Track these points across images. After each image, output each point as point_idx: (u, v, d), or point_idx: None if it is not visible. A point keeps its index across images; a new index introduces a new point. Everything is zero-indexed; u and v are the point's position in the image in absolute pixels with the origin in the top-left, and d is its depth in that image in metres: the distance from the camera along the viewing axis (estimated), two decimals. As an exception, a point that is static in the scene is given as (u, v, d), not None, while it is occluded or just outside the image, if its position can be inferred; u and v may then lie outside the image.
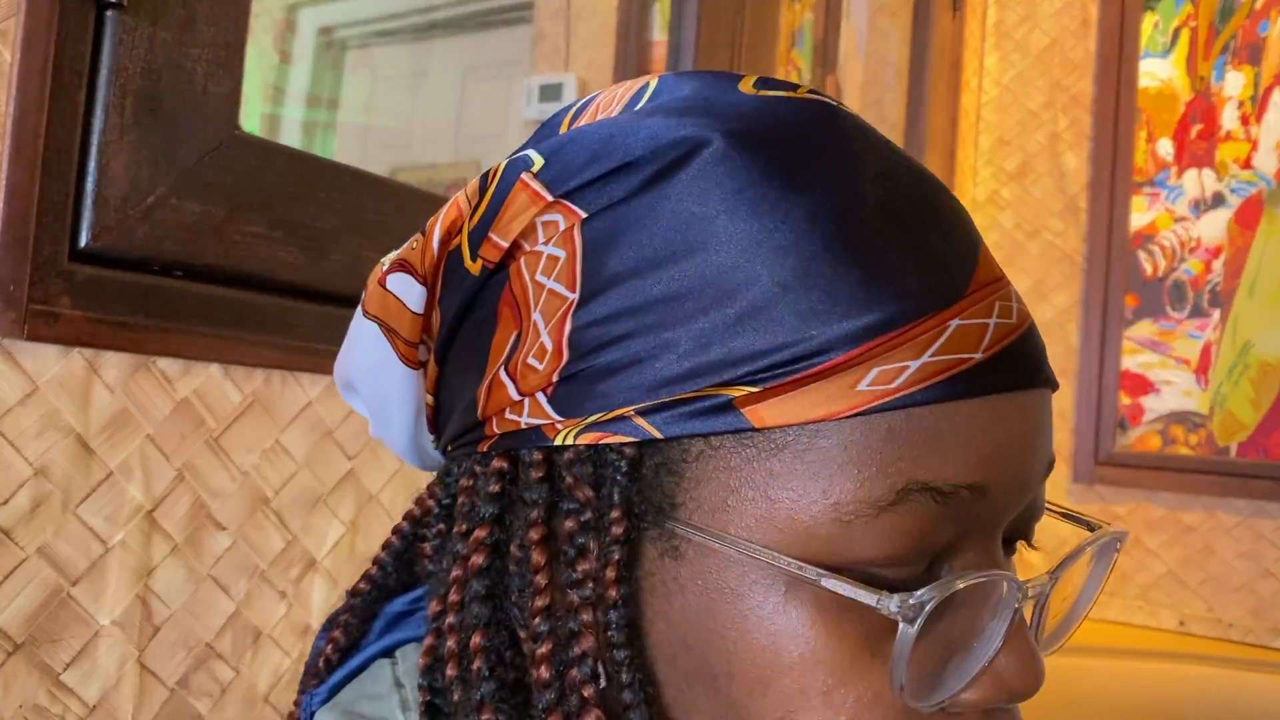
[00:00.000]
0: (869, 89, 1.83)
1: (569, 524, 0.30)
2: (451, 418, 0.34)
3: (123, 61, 0.59)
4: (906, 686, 0.27)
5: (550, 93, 1.70)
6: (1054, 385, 0.31)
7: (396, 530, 0.38)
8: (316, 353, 0.72)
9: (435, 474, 0.38)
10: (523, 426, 0.31)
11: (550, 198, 0.30)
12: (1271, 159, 1.67)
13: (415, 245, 0.34)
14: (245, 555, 0.68)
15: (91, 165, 0.58)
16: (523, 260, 0.31)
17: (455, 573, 0.32)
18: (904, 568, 0.28)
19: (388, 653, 0.36)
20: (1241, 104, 1.70)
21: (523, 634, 0.30)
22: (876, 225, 0.28)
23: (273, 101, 2.31)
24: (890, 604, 0.27)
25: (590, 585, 0.29)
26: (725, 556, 0.28)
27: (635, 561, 0.30)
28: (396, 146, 2.34)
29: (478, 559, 0.31)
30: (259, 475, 0.69)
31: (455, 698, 0.30)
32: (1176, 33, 1.77)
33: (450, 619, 0.31)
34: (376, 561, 0.38)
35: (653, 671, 0.29)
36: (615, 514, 0.29)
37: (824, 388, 0.27)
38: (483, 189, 0.32)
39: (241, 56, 0.66)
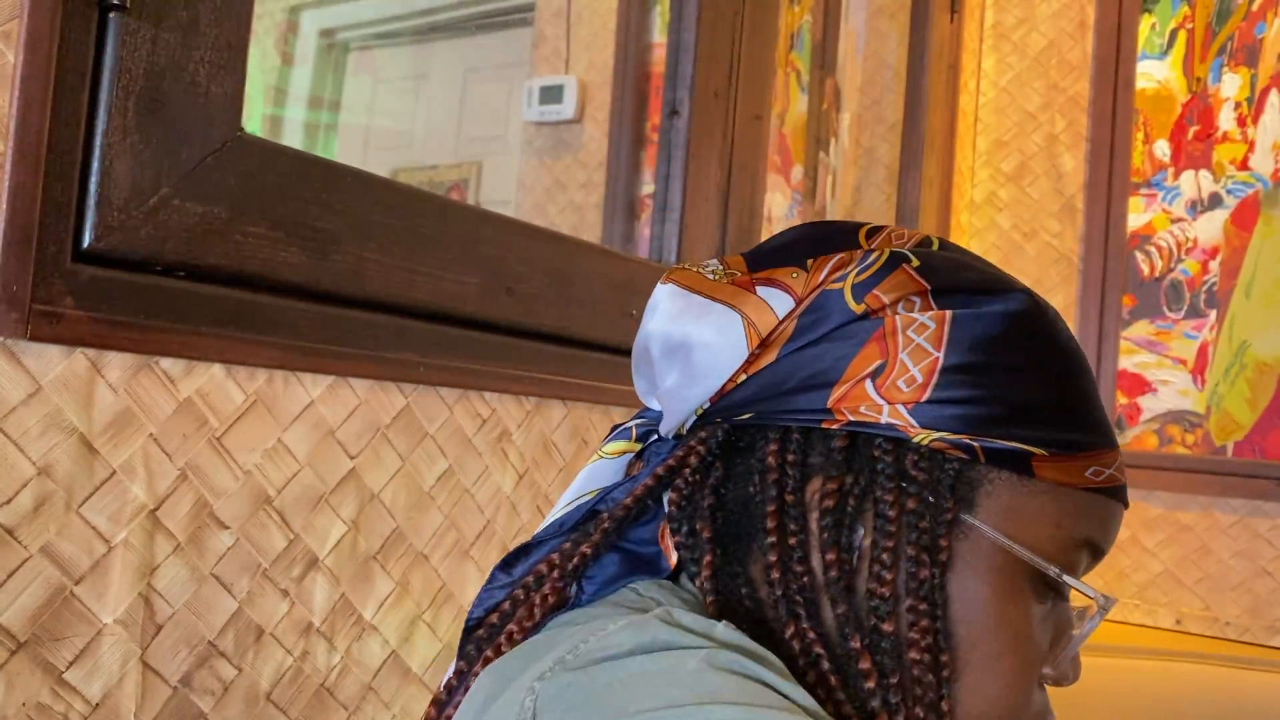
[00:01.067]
0: (867, 90, 1.84)
1: (911, 501, 0.45)
2: (759, 397, 0.47)
3: (126, 63, 0.59)
4: (1043, 642, 0.47)
5: (551, 94, 1.70)
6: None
7: (654, 474, 0.49)
8: (318, 353, 0.72)
9: (681, 439, 0.51)
10: (882, 422, 0.45)
11: (926, 286, 0.46)
12: (1268, 160, 1.68)
13: (790, 271, 0.48)
14: (247, 554, 0.68)
15: (94, 166, 0.58)
16: (898, 318, 0.46)
17: (808, 512, 0.46)
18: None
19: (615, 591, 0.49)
20: (1238, 105, 1.71)
21: (854, 562, 0.45)
22: (1093, 383, 0.49)
23: (275, 103, 2.31)
24: (1100, 598, 0.46)
25: (927, 539, 0.44)
26: (995, 544, 0.45)
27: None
28: (398, 147, 2.34)
29: (829, 502, 0.45)
30: (261, 474, 0.69)
31: (777, 594, 0.45)
32: (1173, 34, 1.78)
33: (791, 541, 0.45)
34: (634, 495, 0.49)
35: (949, 608, 0.45)
36: (949, 499, 0.45)
37: (1073, 466, 0.46)
38: (865, 261, 0.47)
39: (244, 58, 0.67)
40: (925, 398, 0.44)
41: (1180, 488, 1.69)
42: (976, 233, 1.95)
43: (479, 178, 2.17)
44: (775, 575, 0.45)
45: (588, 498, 0.51)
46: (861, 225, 0.52)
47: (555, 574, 0.47)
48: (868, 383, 0.45)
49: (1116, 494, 0.48)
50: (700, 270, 0.50)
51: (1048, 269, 1.87)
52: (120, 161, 0.59)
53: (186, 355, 0.64)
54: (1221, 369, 1.68)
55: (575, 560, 0.47)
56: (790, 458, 0.46)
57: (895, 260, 0.47)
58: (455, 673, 0.48)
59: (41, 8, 0.55)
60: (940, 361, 0.45)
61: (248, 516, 0.68)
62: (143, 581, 0.62)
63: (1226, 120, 1.71)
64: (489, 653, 0.46)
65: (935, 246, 0.51)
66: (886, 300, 0.46)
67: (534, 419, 0.94)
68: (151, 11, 0.60)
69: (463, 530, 0.86)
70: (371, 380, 0.77)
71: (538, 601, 0.46)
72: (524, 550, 0.50)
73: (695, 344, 0.48)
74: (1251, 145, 1.69)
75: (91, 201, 0.58)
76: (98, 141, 0.58)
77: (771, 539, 0.45)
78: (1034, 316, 0.47)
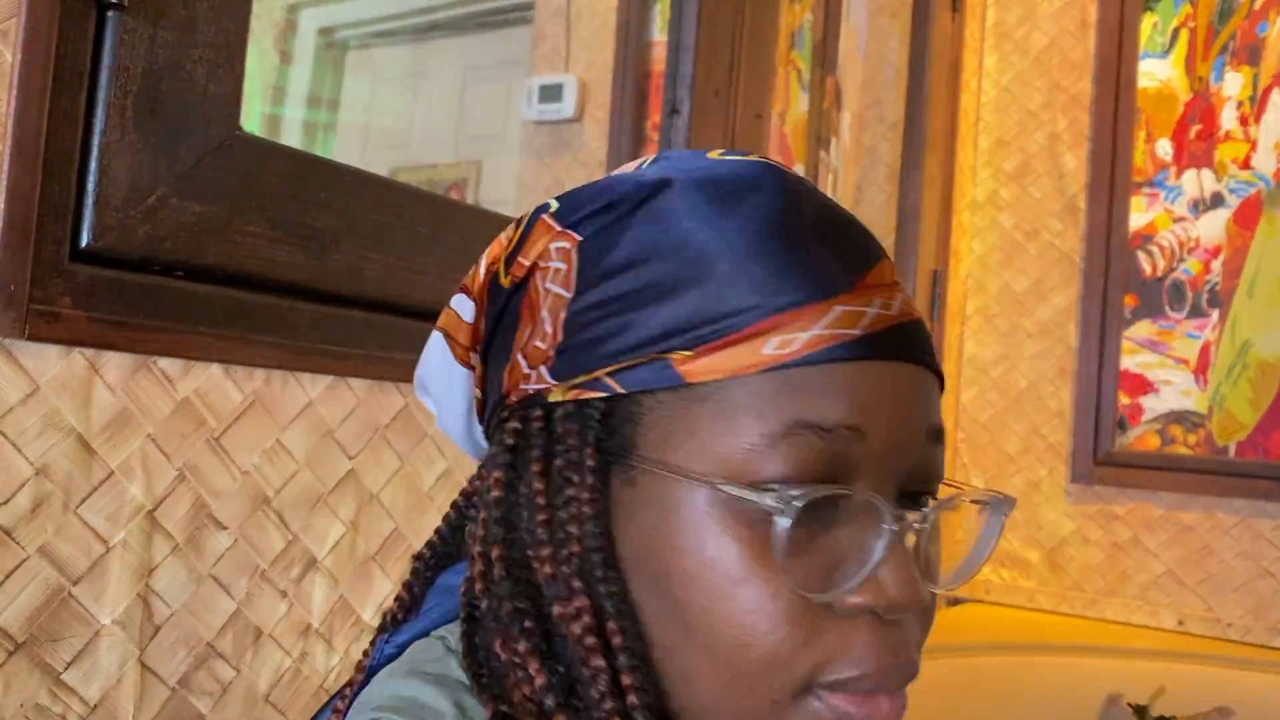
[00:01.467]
0: (868, 89, 1.84)
1: (558, 461, 0.40)
2: (489, 405, 0.44)
3: (124, 62, 0.59)
4: (790, 574, 0.36)
5: (550, 93, 1.70)
6: (932, 368, 0.41)
7: (453, 504, 0.46)
8: (317, 353, 0.72)
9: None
10: (530, 392, 0.41)
11: (559, 228, 0.41)
12: (1270, 159, 1.67)
13: (471, 272, 0.45)
14: (246, 555, 0.68)
15: (92, 165, 0.58)
16: (537, 274, 0.41)
17: (480, 514, 0.41)
18: (799, 485, 0.37)
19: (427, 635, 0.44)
20: (1240, 104, 1.70)
21: (529, 550, 0.40)
22: (788, 239, 0.39)
23: (273, 102, 2.31)
24: (767, 499, 0.36)
25: (575, 505, 0.39)
26: (666, 481, 0.38)
27: (606, 491, 0.40)
28: (397, 147, 2.34)
29: (496, 493, 0.40)
30: (259, 475, 0.69)
31: (484, 606, 0.40)
32: (1175, 33, 1.77)
33: (478, 548, 0.40)
34: (436, 531, 0.47)
35: (621, 574, 0.39)
36: (590, 451, 0.39)
37: (738, 351, 0.37)
38: (516, 226, 0.44)
39: (242, 57, 0.66)
40: (558, 347, 0.40)
41: (1182, 488, 1.69)
42: (978, 232, 1.95)
43: (478, 177, 2.17)
44: (478, 587, 0.40)
45: None
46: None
47: (375, 636, 0.45)
48: (518, 354, 0.41)
49: (841, 353, 0.37)
50: None
51: (1049, 268, 1.86)
52: (118, 161, 0.59)
53: (184, 355, 0.63)
54: (1224, 369, 1.68)
55: (385, 618, 0.46)
56: (484, 461, 0.43)
57: (535, 214, 0.43)
58: None
59: (39, 6, 0.54)
60: (569, 301, 0.40)
61: (246, 517, 0.68)
62: (141, 582, 0.62)
63: (1229, 119, 1.71)
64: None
65: (630, 168, 0.45)
66: (528, 261, 0.42)
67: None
68: (149, 10, 0.60)
69: (462, 531, 0.86)
70: (370, 380, 0.77)
71: (357, 669, 0.44)
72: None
73: (424, 376, 0.47)
74: (1254, 144, 1.69)
75: (89, 201, 0.58)
76: (95, 141, 0.58)
77: (476, 549, 0.41)
78: (663, 194, 0.40)
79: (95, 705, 0.60)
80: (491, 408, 0.44)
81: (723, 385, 0.37)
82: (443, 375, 0.45)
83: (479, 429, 0.46)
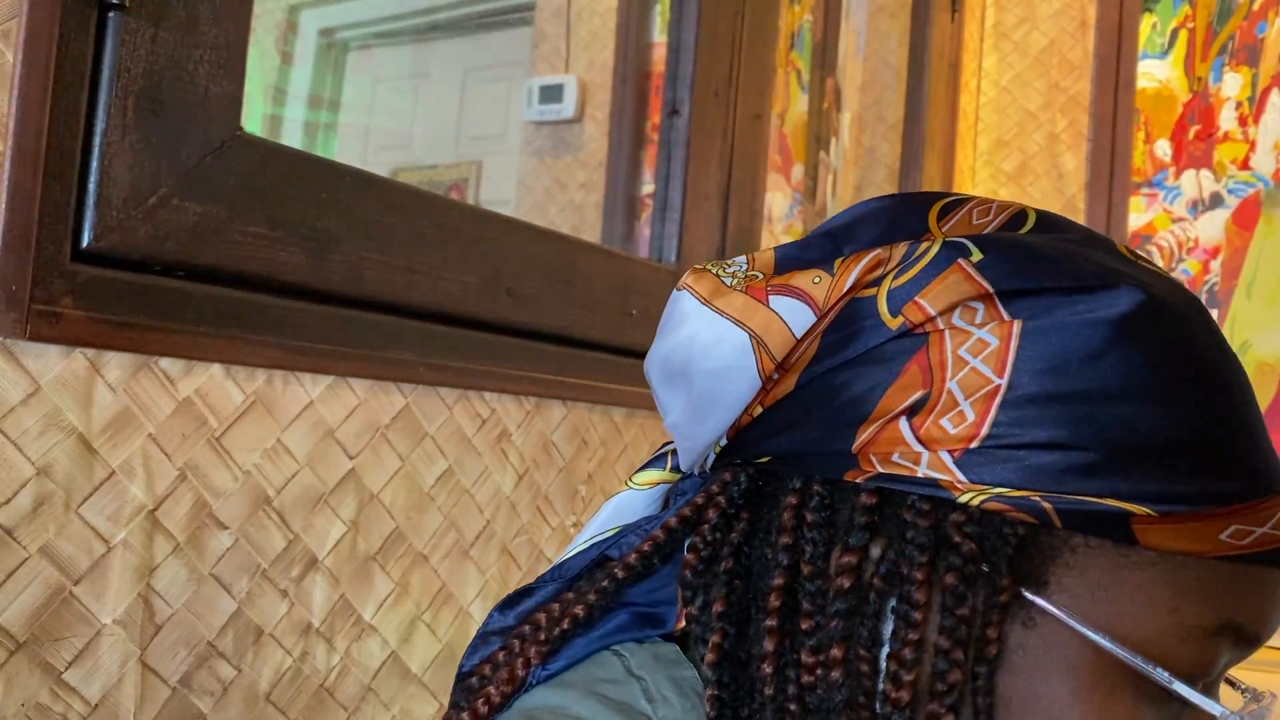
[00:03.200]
0: (868, 90, 1.84)
1: (950, 577, 0.34)
2: (781, 434, 0.38)
3: (125, 62, 0.59)
4: None
5: (551, 93, 1.70)
6: None
7: (666, 527, 0.41)
8: (317, 353, 0.72)
9: (703, 480, 0.42)
10: (919, 475, 0.35)
11: (988, 289, 0.35)
12: (1269, 160, 1.67)
13: (818, 280, 0.37)
14: (247, 554, 0.68)
15: (94, 166, 0.58)
16: (948, 333, 0.35)
17: (806, 599, 0.36)
18: (1195, 684, 0.35)
19: (606, 647, 0.41)
20: (1239, 105, 1.71)
21: (881, 664, 0.35)
22: (1245, 409, 0.35)
23: (274, 102, 2.31)
24: (1231, 716, 0.33)
25: (963, 630, 0.34)
26: (1073, 637, 0.34)
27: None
28: (397, 147, 2.34)
29: (844, 581, 0.35)
30: (260, 475, 0.69)
31: (770, 690, 0.36)
32: (1174, 34, 1.78)
33: (770, 622, 0.36)
34: (639, 552, 0.41)
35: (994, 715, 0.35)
36: (1006, 578, 0.34)
37: (1199, 529, 0.33)
38: (909, 257, 0.36)
39: (243, 57, 0.66)
40: (979, 441, 0.34)
41: (1181, 488, 1.69)
42: (977, 232, 1.95)
43: (479, 177, 2.17)
44: (768, 670, 0.36)
45: (608, 535, 0.44)
46: (938, 199, 0.40)
47: (542, 635, 0.41)
48: (903, 421, 0.35)
49: (1271, 558, 0.35)
50: (720, 272, 0.40)
51: (1048, 269, 1.87)
52: (119, 161, 0.59)
53: (186, 355, 0.63)
54: (1222, 369, 1.68)
55: (565, 623, 0.41)
56: (809, 517, 0.37)
57: (948, 254, 0.35)
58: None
59: (41, 7, 0.54)
60: (1003, 391, 0.33)
61: (247, 517, 0.68)
62: (142, 582, 0.62)
63: (1227, 120, 1.71)
64: (465, 716, 0.41)
65: (1029, 225, 0.38)
66: (934, 310, 0.35)
67: (534, 419, 0.94)
68: (151, 11, 0.60)
69: (462, 531, 0.86)
70: (371, 380, 0.77)
71: (519, 665, 0.41)
72: (525, 592, 0.45)
73: (696, 371, 0.38)
74: (1253, 145, 1.69)
75: (90, 201, 0.58)
76: (97, 141, 0.58)
77: (770, 622, 0.36)
78: (1150, 318, 0.34)
79: (96, 705, 0.60)
80: (797, 448, 0.37)
81: (1171, 559, 0.34)
82: (725, 378, 0.38)
83: (724, 439, 0.40)
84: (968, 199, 0.40)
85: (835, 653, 0.35)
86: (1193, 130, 1.74)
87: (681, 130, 1.22)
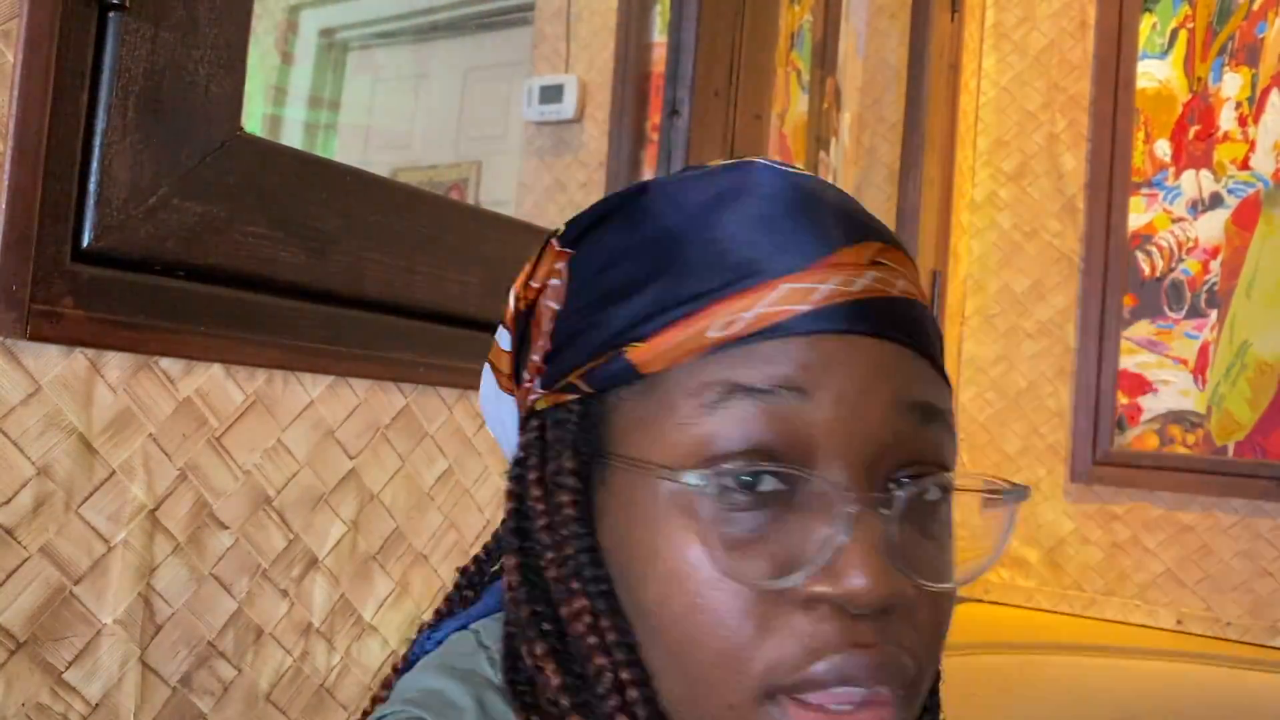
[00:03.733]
0: (868, 90, 1.84)
1: (550, 467, 0.40)
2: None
3: (125, 63, 0.59)
4: (736, 562, 0.35)
5: (551, 94, 1.70)
6: (911, 345, 0.38)
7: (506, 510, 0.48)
8: (318, 353, 0.72)
9: None
10: (530, 405, 0.42)
11: (559, 248, 0.43)
12: (1269, 160, 1.67)
13: (505, 307, 0.46)
14: (247, 554, 0.68)
15: (94, 166, 0.58)
16: (543, 295, 0.43)
17: (501, 524, 0.43)
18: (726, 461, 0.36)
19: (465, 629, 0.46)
20: (1239, 105, 1.71)
21: (538, 557, 0.40)
22: (745, 224, 0.39)
23: (275, 102, 2.32)
24: (690, 477, 0.35)
25: (564, 509, 0.39)
26: (628, 475, 0.38)
27: (590, 492, 0.40)
28: (398, 147, 2.34)
29: (510, 504, 0.42)
30: (261, 474, 0.69)
31: (511, 614, 0.40)
32: (1174, 34, 1.78)
33: (503, 559, 0.42)
34: (493, 535, 0.48)
35: (606, 573, 0.39)
36: (568, 454, 0.40)
37: (683, 335, 0.37)
38: (533, 258, 0.45)
39: (244, 58, 0.66)
40: (547, 355, 0.41)
41: (1181, 488, 1.69)
42: (977, 232, 1.95)
43: (479, 177, 2.17)
44: (508, 597, 0.41)
45: None
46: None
47: (422, 630, 0.46)
48: (525, 371, 0.43)
49: (776, 330, 0.36)
50: None
51: (1048, 269, 1.86)
52: (119, 161, 0.59)
53: (186, 355, 0.63)
54: (1222, 369, 1.68)
55: (442, 605, 0.47)
56: (520, 454, 0.44)
57: (546, 240, 0.44)
58: None
59: (41, 7, 0.54)
60: (559, 314, 0.41)
61: (247, 516, 0.68)
62: (142, 581, 0.62)
63: (1227, 120, 1.71)
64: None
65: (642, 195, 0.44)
66: (537, 284, 0.43)
67: (534, 419, 0.94)
68: (151, 11, 0.60)
69: (463, 530, 0.86)
70: (371, 380, 0.77)
71: (390, 666, 0.46)
72: None
73: (484, 410, 0.49)
74: (1252, 145, 1.69)
75: (91, 201, 0.58)
76: (97, 141, 0.58)
77: (507, 561, 0.42)
78: (630, 202, 0.41)
79: (96, 704, 0.60)
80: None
81: (671, 373, 0.37)
82: (493, 405, 0.47)
83: None
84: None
85: (509, 561, 0.41)
86: (1192, 130, 1.74)
87: (681, 130, 1.22)
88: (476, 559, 0.49)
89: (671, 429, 0.36)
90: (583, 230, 0.42)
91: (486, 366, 0.48)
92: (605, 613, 0.38)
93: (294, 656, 0.72)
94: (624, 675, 0.37)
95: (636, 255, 0.39)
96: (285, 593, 0.71)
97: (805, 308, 0.36)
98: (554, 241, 0.44)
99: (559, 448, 0.40)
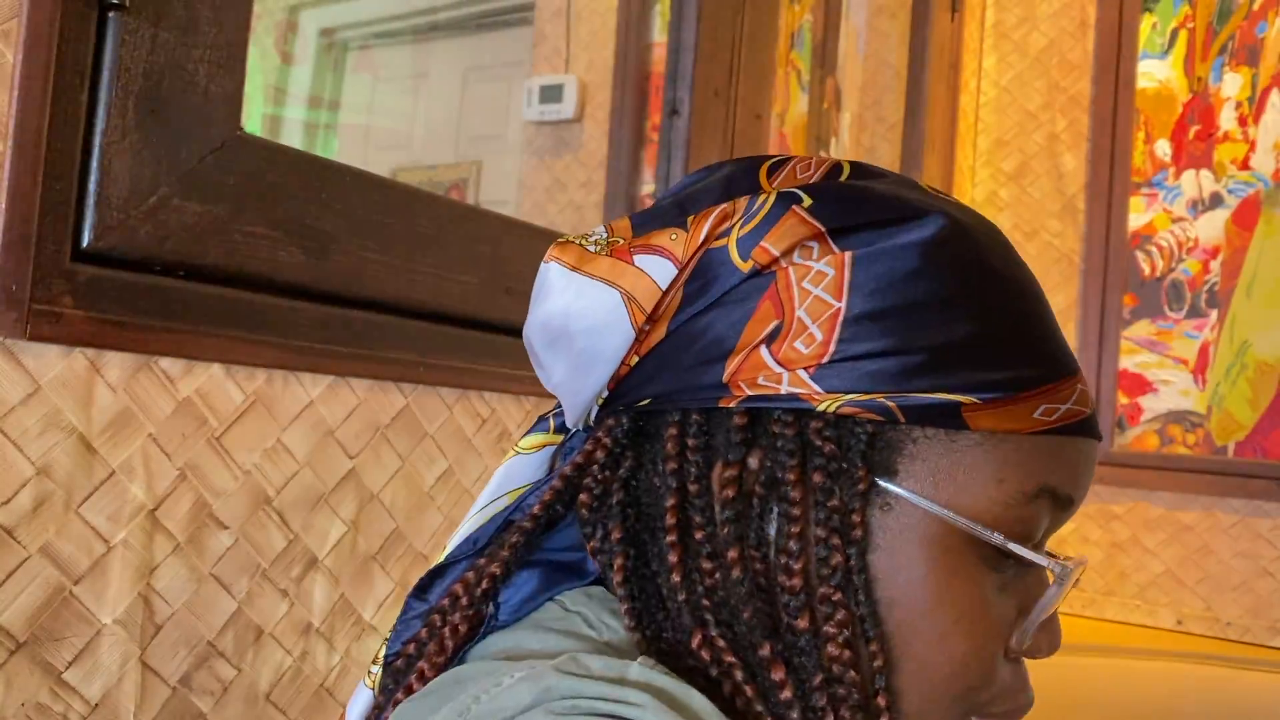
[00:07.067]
0: (868, 90, 1.84)
1: (817, 475, 0.40)
2: (657, 377, 0.42)
3: (125, 62, 0.59)
4: (1003, 610, 0.42)
5: (551, 93, 1.70)
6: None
7: (563, 475, 0.45)
8: (318, 352, 0.72)
9: (590, 430, 0.46)
10: (781, 393, 0.40)
11: (821, 228, 0.41)
12: (1269, 160, 1.67)
13: (674, 237, 0.42)
14: (247, 554, 0.68)
15: (94, 166, 0.58)
16: (792, 269, 0.41)
17: (695, 511, 0.41)
18: (1026, 545, 0.42)
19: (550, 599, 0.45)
20: (1239, 105, 1.71)
21: (773, 559, 0.40)
22: (1039, 307, 0.43)
23: (275, 102, 2.32)
24: (1056, 566, 0.41)
25: (836, 519, 0.40)
26: (922, 515, 0.40)
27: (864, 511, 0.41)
28: (398, 147, 2.34)
29: (729, 492, 0.40)
30: (260, 474, 0.69)
31: (680, 599, 0.40)
32: (1174, 34, 1.78)
33: (675, 538, 0.41)
34: (542, 503, 0.44)
35: (874, 594, 0.40)
36: (861, 470, 0.40)
37: (1017, 410, 0.40)
38: (751, 209, 0.42)
39: (243, 57, 0.66)
40: (828, 357, 0.39)
41: (1181, 488, 1.69)
42: (977, 232, 1.95)
43: (479, 177, 2.17)
44: (676, 579, 0.40)
45: (503, 502, 0.47)
46: (765, 160, 0.46)
47: (465, 600, 0.43)
48: (763, 349, 0.40)
49: (1079, 429, 0.42)
50: (583, 242, 0.44)
51: (1049, 269, 1.86)
52: (119, 161, 0.59)
53: (186, 355, 0.63)
54: (1222, 369, 1.68)
55: (484, 584, 0.43)
56: (691, 443, 0.41)
57: (784, 203, 0.41)
58: (374, 707, 0.46)
59: (41, 7, 0.54)
60: (842, 313, 0.39)
61: (247, 516, 0.68)
62: (142, 581, 0.62)
63: (1227, 120, 1.71)
64: (399, 694, 0.43)
65: (846, 174, 0.45)
66: (777, 251, 0.40)
67: (534, 419, 0.94)
68: (151, 11, 0.60)
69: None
70: (371, 380, 0.77)
71: (448, 633, 0.43)
72: (438, 572, 0.47)
73: (575, 331, 0.43)
74: (1252, 145, 1.69)
75: (90, 201, 0.58)
76: (97, 141, 0.58)
77: (670, 538, 0.41)
78: (954, 240, 0.41)
79: (96, 704, 0.60)
80: (672, 387, 0.42)
81: (994, 439, 0.40)
82: (600, 334, 0.42)
83: (606, 391, 0.44)
84: (790, 158, 0.46)
85: (731, 554, 0.40)
86: (1193, 130, 1.74)
87: (681, 130, 1.22)
88: (523, 531, 0.44)
89: (989, 494, 0.41)
90: (856, 224, 0.40)
91: (611, 292, 0.42)
92: (871, 634, 0.40)
93: (294, 656, 0.72)
94: (880, 701, 0.40)
95: (969, 309, 0.40)
96: (285, 593, 0.71)
97: (1087, 411, 0.42)
98: (801, 211, 0.41)
99: (840, 458, 0.40)
